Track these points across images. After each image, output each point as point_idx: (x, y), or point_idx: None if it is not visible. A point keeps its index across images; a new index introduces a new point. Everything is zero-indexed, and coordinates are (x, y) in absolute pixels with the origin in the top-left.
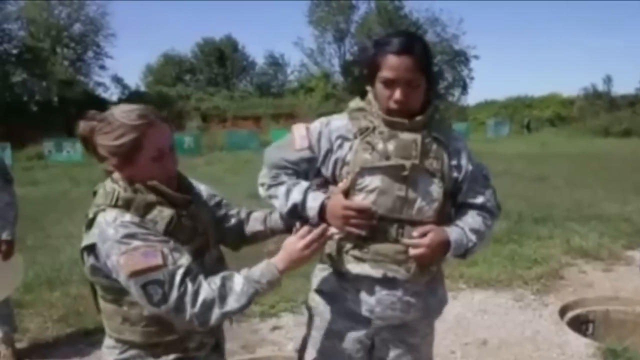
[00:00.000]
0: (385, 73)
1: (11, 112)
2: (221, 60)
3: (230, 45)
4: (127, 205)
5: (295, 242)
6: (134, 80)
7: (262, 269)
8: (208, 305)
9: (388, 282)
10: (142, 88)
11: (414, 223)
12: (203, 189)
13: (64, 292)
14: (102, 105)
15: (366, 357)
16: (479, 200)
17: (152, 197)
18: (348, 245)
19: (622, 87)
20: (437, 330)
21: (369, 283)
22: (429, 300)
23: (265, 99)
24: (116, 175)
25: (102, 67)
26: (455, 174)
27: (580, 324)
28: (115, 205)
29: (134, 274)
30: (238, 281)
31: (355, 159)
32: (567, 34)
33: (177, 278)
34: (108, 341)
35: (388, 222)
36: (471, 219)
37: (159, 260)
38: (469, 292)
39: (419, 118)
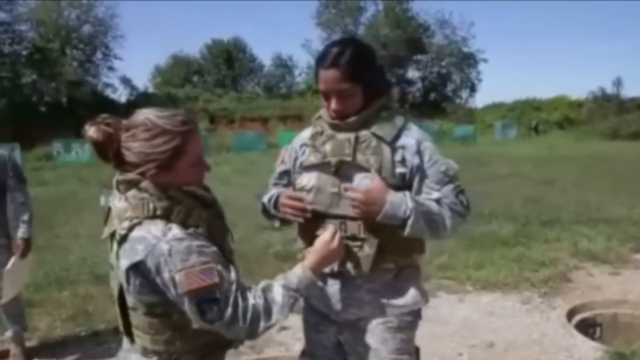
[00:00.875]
0: (320, 86)
1: (20, 113)
2: (229, 61)
3: (239, 46)
4: (167, 215)
5: (329, 242)
6: (143, 81)
7: (299, 276)
8: (256, 320)
9: (340, 277)
10: (151, 89)
11: (354, 218)
12: None
13: (72, 291)
14: (111, 106)
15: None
16: (433, 196)
17: (189, 202)
18: (305, 243)
19: (630, 90)
20: (444, 332)
21: (324, 278)
22: (390, 300)
23: (272, 101)
24: (145, 184)
25: (111, 68)
26: (400, 169)
27: (587, 327)
28: (154, 216)
29: (191, 292)
30: (278, 292)
31: (304, 161)
32: (575, 38)
33: (231, 296)
34: (145, 358)
35: (330, 219)
36: (425, 201)
37: (215, 279)
38: (476, 295)
39: (351, 119)
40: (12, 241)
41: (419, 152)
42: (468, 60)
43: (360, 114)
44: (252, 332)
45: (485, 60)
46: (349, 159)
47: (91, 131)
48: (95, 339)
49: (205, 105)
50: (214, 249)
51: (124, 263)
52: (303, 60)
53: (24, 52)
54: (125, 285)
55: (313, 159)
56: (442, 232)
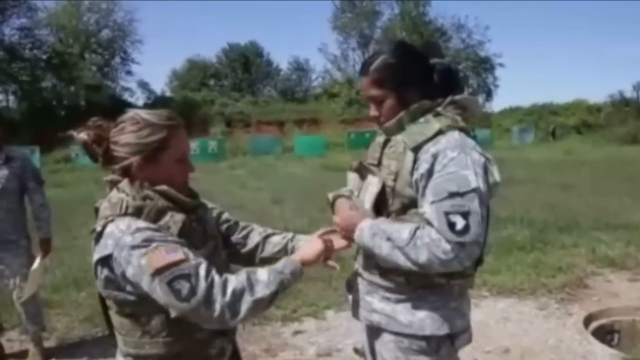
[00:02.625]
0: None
1: (40, 116)
2: (246, 65)
3: (255, 50)
4: (138, 213)
5: (316, 239)
6: (160, 85)
7: (283, 262)
8: (239, 293)
9: (361, 278)
10: (168, 93)
11: None
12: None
13: (90, 292)
14: (129, 109)
15: None
16: (422, 209)
17: (163, 203)
18: None
19: None
20: None
21: (354, 276)
22: (398, 316)
23: (288, 105)
24: (123, 184)
25: (129, 73)
26: (415, 176)
27: (605, 334)
28: (126, 214)
29: (158, 271)
30: (262, 272)
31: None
32: (593, 41)
33: (202, 270)
34: (123, 359)
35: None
36: (391, 230)
37: (180, 255)
38: (492, 300)
39: (388, 123)
40: (31, 242)
41: (433, 159)
42: (485, 65)
43: (396, 118)
44: (236, 310)
45: (501, 65)
46: (374, 162)
47: (82, 133)
48: (112, 340)
49: (221, 109)
50: (180, 240)
51: (95, 257)
52: (319, 64)
53: (44, 57)
54: (95, 280)
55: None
56: (419, 264)
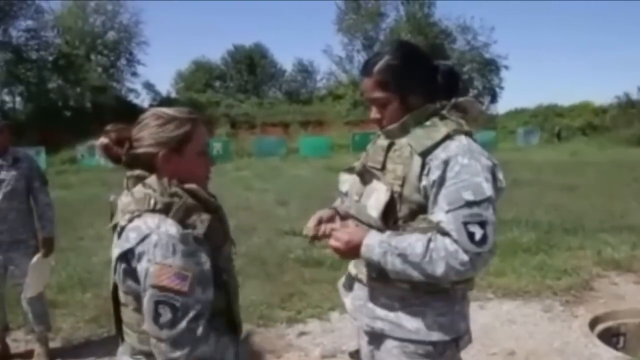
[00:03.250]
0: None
1: (46, 117)
2: (251, 67)
3: (260, 52)
4: (166, 210)
5: None
6: (165, 86)
7: None
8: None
9: (361, 283)
10: (173, 94)
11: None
12: None
13: (95, 293)
14: (134, 111)
15: None
16: (435, 217)
17: (190, 201)
18: None
19: None
20: None
21: (351, 281)
22: (402, 321)
23: (293, 106)
24: (150, 180)
25: (135, 74)
26: (424, 182)
27: (611, 337)
28: (154, 210)
29: (157, 287)
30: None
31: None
32: (599, 42)
33: (192, 313)
34: (131, 358)
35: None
36: (402, 243)
37: (184, 288)
38: (497, 302)
39: (392, 126)
40: (38, 242)
41: (445, 166)
42: (490, 66)
43: (401, 121)
44: None
45: (507, 67)
46: (378, 166)
47: (100, 139)
48: (117, 341)
49: (226, 111)
50: (202, 267)
51: (116, 252)
52: (324, 66)
53: (50, 58)
54: (113, 276)
55: (355, 162)
56: (436, 277)
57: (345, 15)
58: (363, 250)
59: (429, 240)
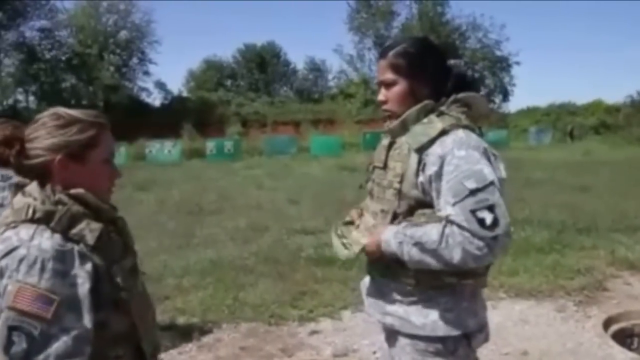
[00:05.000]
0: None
1: None
2: (262, 65)
3: (272, 51)
4: (47, 219)
5: None
6: (177, 85)
7: None
8: None
9: (373, 278)
10: (185, 93)
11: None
12: None
13: None
14: (146, 109)
15: None
16: (444, 212)
17: (77, 208)
18: None
19: None
20: None
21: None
22: (411, 318)
23: (304, 105)
24: (31, 187)
25: (146, 73)
26: (421, 178)
27: (625, 338)
28: (33, 220)
29: (12, 310)
30: None
31: None
32: (612, 40)
33: (53, 346)
34: None
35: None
36: (417, 232)
37: (47, 315)
38: (510, 302)
39: (393, 124)
40: None
41: (441, 161)
42: (501, 64)
43: (400, 119)
44: None
45: (518, 63)
46: (378, 164)
47: None
48: None
49: (237, 109)
50: (75, 290)
51: None
52: (335, 65)
53: (63, 58)
54: None
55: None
56: (453, 263)
57: (356, 14)
58: (383, 247)
59: (444, 227)
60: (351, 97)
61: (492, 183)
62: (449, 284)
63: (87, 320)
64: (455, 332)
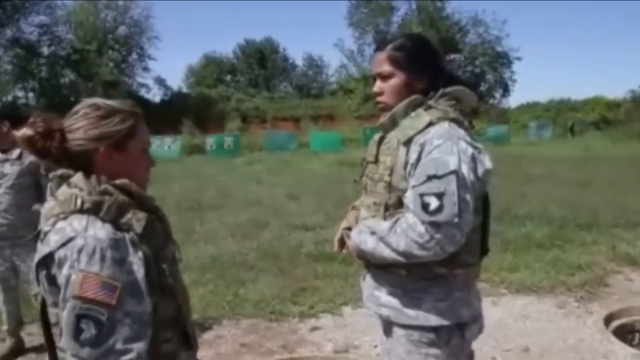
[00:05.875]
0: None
1: (58, 113)
2: (261, 61)
3: (271, 46)
4: (96, 209)
5: None
6: (176, 81)
7: None
8: None
9: (369, 271)
10: (184, 89)
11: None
12: None
13: None
14: (146, 105)
15: None
16: (406, 201)
17: (122, 198)
18: None
19: None
20: None
21: (364, 272)
22: (404, 309)
23: (304, 101)
24: (76, 179)
25: (146, 69)
26: (407, 169)
27: (626, 334)
28: (82, 211)
29: (79, 298)
30: None
31: None
32: (612, 35)
33: (120, 330)
34: None
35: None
36: (386, 222)
37: (113, 300)
38: (510, 298)
39: (382, 120)
40: None
41: (421, 148)
42: (502, 60)
43: (389, 114)
44: None
45: (519, 59)
46: (372, 159)
47: (22, 131)
48: None
49: (237, 105)
50: (134, 276)
51: (36, 259)
52: (335, 60)
53: (62, 54)
54: (37, 288)
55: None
56: (400, 251)
57: (356, 9)
58: (349, 243)
59: (398, 218)
60: (351, 93)
61: (452, 172)
62: (440, 275)
63: (148, 304)
64: (447, 322)
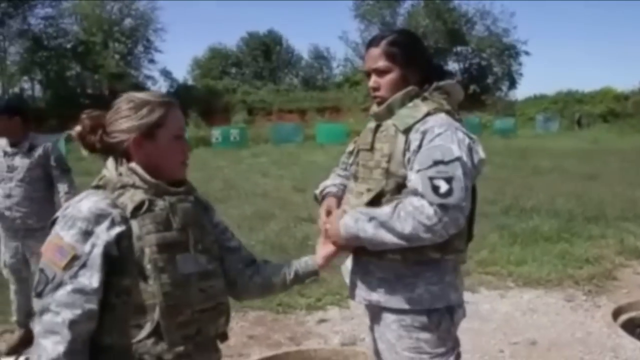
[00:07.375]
0: (365, 67)
1: (65, 105)
2: (267, 53)
3: (274, 39)
4: (104, 186)
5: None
6: (182, 73)
7: None
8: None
9: (357, 258)
10: (190, 81)
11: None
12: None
13: None
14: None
15: None
16: (411, 184)
17: (128, 180)
18: None
19: None
20: (485, 329)
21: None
22: (397, 294)
23: (310, 93)
24: (108, 162)
25: (152, 61)
26: (407, 156)
27: (634, 327)
28: (97, 187)
29: (42, 254)
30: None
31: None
32: (620, 28)
33: (61, 292)
34: None
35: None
36: (384, 208)
37: (62, 262)
38: (518, 291)
39: (378, 109)
40: None
41: (422, 136)
42: (509, 52)
43: (386, 103)
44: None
45: (527, 53)
46: (365, 146)
47: (76, 127)
48: None
49: (243, 97)
50: (94, 250)
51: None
52: (341, 52)
53: (68, 46)
54: None
55: (351, 145)
56: (405, 234)
57: (362, 1)
58: (342, 230)
59: (398, 202)
60: (357, 85)
61: (457, 159)
62: (433, 259)
63: (95, 280)
64: (440, 305)
